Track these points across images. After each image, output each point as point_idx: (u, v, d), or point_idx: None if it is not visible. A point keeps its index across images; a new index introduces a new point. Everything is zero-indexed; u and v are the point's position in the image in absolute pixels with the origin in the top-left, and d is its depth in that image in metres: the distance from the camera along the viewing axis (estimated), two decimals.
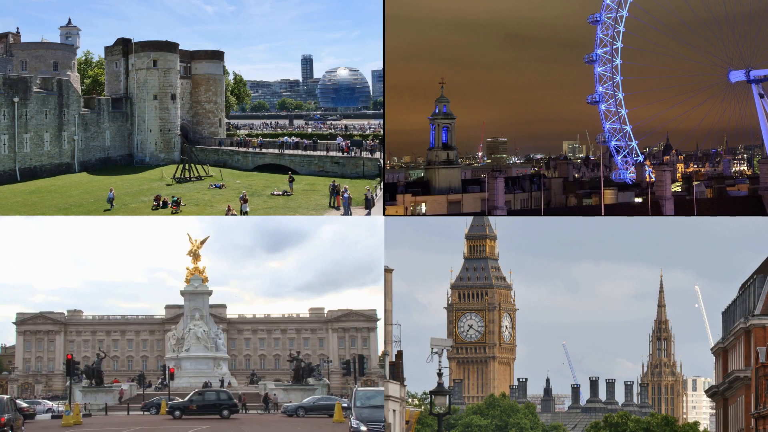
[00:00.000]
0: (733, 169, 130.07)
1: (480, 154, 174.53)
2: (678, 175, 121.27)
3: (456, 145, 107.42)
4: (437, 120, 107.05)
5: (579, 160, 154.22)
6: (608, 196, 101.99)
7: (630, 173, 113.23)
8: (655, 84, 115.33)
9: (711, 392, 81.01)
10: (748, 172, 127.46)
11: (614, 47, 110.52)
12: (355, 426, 41.32)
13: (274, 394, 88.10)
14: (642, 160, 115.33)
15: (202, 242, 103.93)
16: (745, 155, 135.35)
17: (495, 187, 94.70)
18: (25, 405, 73.94)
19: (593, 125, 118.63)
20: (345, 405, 60.61)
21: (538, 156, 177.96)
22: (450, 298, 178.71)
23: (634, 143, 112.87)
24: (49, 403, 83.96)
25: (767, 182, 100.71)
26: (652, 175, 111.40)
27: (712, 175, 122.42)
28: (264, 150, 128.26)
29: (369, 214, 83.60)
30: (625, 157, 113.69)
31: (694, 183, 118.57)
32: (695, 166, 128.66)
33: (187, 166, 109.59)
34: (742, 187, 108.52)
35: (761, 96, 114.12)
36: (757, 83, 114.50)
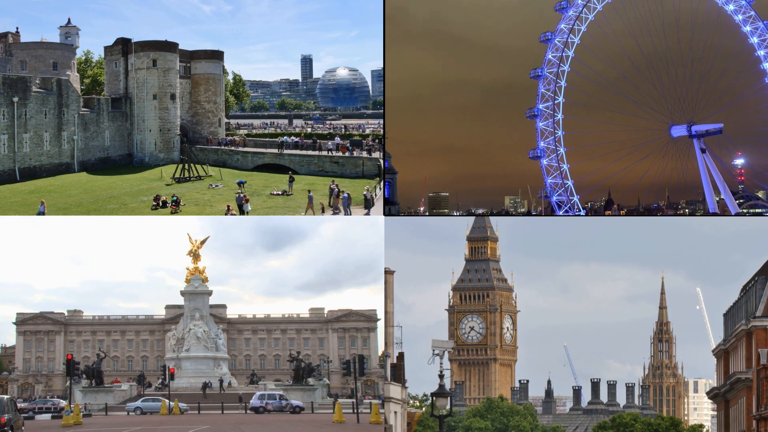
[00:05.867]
0: None
1: (422, 209, 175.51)
2: None
3: (398, 200, 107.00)
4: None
5: (521, 215, 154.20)
6: None
7: None
8: (596, 139, 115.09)
9: (712, 394, 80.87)
10: None
11: (556, 102, 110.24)
12: None
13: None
14: (584, 215, 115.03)
15: (202, 242, 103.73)
16: (687, 210, 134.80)
17: None
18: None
19: (535, 180, 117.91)
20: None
21: (480, 211, 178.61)
22: (451, 300, 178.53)
23: (575, 198, 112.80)
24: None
25: None
26: None
27: None
28: (262, 149, 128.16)
29: (368, 214, 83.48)
30: (566, 212, 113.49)
31: None
32: None
33: (186, 166, 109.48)
34: None
35: (703, 151, 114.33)
36: (698, 138, 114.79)
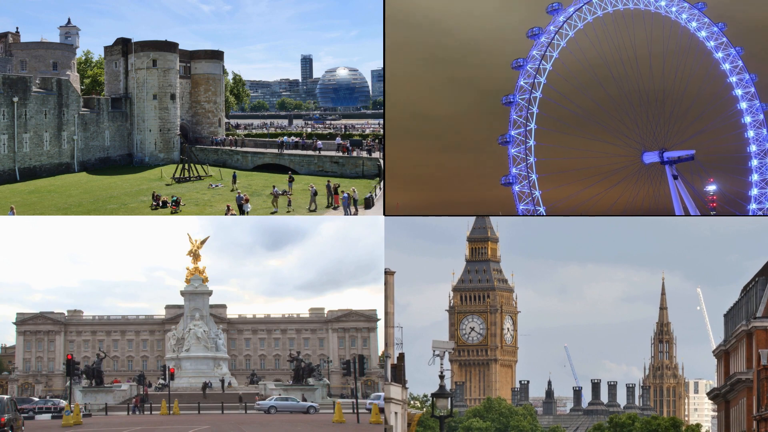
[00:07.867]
0: None
1: None
2: None
3: None
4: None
5: None
6: None
7: None
8: (568, 165, 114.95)
9: (713, 395, 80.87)
10: None
11: (528, 128, 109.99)
12: None
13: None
14: None
15: (202, 242, 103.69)
16: None
17: None
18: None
19: (507, 206, 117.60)
20: None
21: None
22: (452, 300, 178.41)
23: None
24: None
25: None
26: None
27: None
28: (262, 149, 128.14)
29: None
30: None
31: None
32: None
33: (186, 166, 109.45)
34: None
35: (675, 177, 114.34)
36: (670, 164, 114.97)
